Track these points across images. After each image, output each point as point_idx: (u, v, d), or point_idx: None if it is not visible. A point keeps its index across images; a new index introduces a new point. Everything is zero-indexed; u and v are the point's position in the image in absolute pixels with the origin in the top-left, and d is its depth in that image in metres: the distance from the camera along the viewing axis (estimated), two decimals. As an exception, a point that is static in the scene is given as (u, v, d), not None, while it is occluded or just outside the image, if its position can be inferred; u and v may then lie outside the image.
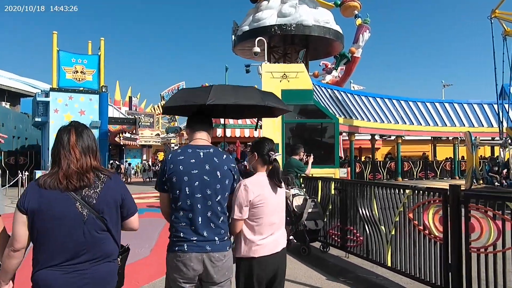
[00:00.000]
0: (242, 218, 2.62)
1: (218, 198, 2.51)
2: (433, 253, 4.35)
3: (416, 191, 4.62)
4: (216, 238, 2.46)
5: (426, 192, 4.49)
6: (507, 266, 3.64)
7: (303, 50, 17.79)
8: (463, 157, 25.68)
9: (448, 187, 4.18)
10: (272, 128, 10.76)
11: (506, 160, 15.92)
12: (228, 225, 2.59)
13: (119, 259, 2.12)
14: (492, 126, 23.44)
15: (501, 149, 16.81)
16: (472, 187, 15.44)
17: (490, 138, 22.25)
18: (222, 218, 2.52)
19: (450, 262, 4.14)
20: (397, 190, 4.92)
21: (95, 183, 1.99)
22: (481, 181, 16.29)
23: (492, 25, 16.75)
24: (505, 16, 16.08)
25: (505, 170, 15.62)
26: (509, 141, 14.17)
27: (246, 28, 19.51)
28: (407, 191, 4.74)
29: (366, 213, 5.47)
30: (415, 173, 23.91)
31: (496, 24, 16.80)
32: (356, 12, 22.56)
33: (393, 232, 4.97)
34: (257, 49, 12.47)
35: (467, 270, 3.97)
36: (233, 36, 20.78)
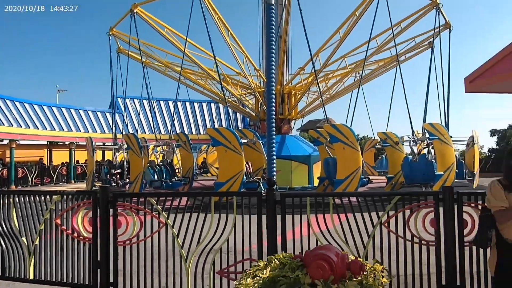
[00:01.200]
0: None
1: None
2: (82, 254, 4.52)
3: (65, 196, 4.65)
4: None
5: (76, 196, 4.61)
6: (147, 252, 4.32)
7: None
8: (78, 161, 26.61)
9: (98, 190, 4.50)
10: None
11: (120, 162, 17.97)
12: None
13: None
14: (105, 132, 25.71)
15: (115, 153, 18.77)
16: (93, 188, 16.44)
17: (102, 143, 24.35)
18: None
19: (99, 259, 4.46)
20: (43, 197, 4.75)
21: None
22: (100, 183, 17.53)
23: (110, 41, 18.48)
24: (120, 35, 18.13)
25: (119, 171, 17.58)
26: (162, 146, 15.95)
27: None
28: (54, 197, 4.67)
29: (2, 226, 4.91)
30: (30, 180, 22.68)
31: (113, 40, 18.65)
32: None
33: (37, 242, 4.75)
34: None
35: (114, 263, 4.40)
36: None
